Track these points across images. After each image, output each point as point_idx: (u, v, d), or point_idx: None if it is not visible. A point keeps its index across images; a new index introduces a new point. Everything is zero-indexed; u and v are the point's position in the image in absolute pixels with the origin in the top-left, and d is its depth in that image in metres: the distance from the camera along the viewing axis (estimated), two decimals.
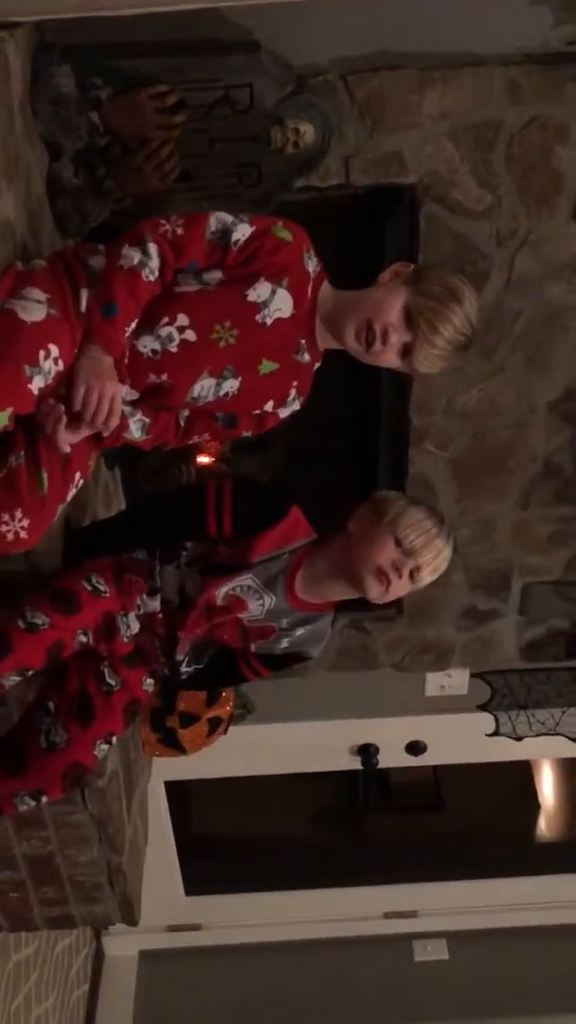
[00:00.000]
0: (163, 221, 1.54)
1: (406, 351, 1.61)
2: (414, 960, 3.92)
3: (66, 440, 1.54)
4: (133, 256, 1.51)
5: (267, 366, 1.64)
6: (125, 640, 1.79)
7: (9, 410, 1.43)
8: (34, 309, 1.47)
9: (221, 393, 1.65)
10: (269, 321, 1.60)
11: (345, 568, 1.75)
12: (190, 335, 1.58)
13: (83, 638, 1.76)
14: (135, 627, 1.79)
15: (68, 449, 1.56)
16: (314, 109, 2.10)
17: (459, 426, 2.64)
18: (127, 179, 2.02)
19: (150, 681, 1.88)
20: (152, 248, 1.52)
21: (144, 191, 2.05)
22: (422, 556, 1.70)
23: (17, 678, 1.71)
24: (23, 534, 1.54)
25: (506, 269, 2.39)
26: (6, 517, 1.52)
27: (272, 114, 2.06)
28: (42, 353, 1.45)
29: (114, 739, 1.88)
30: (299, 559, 1.80)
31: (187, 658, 1.83)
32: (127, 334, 1.54)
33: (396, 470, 2.73)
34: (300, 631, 1.84)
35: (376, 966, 3.90)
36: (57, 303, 1.50)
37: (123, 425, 1.63)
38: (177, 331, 1.57)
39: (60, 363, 1.48)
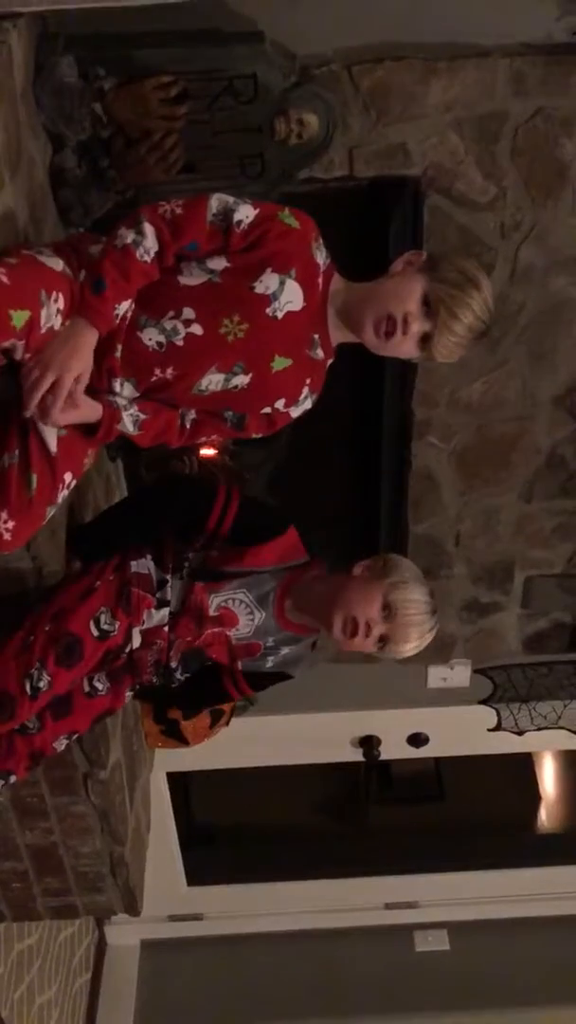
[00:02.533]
0: (162, 203, 1.52)
1: (424, 340, 1.58)
2: (415, 950, 3.93)
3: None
4: (127, 235, 1.50)
5: (280, 362, 1.61)
6: (123, 655, 1.80)
7: (27, 314, 1.41)
8: (52, 261, 1.49)
9: (230, 385, 1.62)
10: (280, 315, 1.57)
11: (327, 601, 1.76)
12: (196, 328, 1.55)
13: None
14: (137, 641, 1.80)
15: (61, 424, 1.54)
16: (318, 100, 2.09)
17: (462, 419, 2.63)
18: (130, 170, 2.02)
19: (129, 694, 1.90)
20: (147, 228, 1.49)
21: (147, 182, 2.04)
22: (399, 630, 1.71)
23: None
24: (7, 536, 1.55)
25: (510, 261, 2.39)
26: None
27: (276, 105, 2.05)
28: (54, 295, 1.45)
29: (75, 737, 1.91)
30: (291, 579, 1.82)
31: (179, 667, 1.85)
32: (117, 312, 1.50)
33: (399, 463, 2.73)
34: (285, 650, 1.87)
35: (377, 956, 3.91)
36: (69, 268, 1.51)
37: (114, 417, 1.59)
38: (183, 324, 1.55)
39: (59, 319, 1.47)
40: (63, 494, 1.64)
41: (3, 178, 1.64)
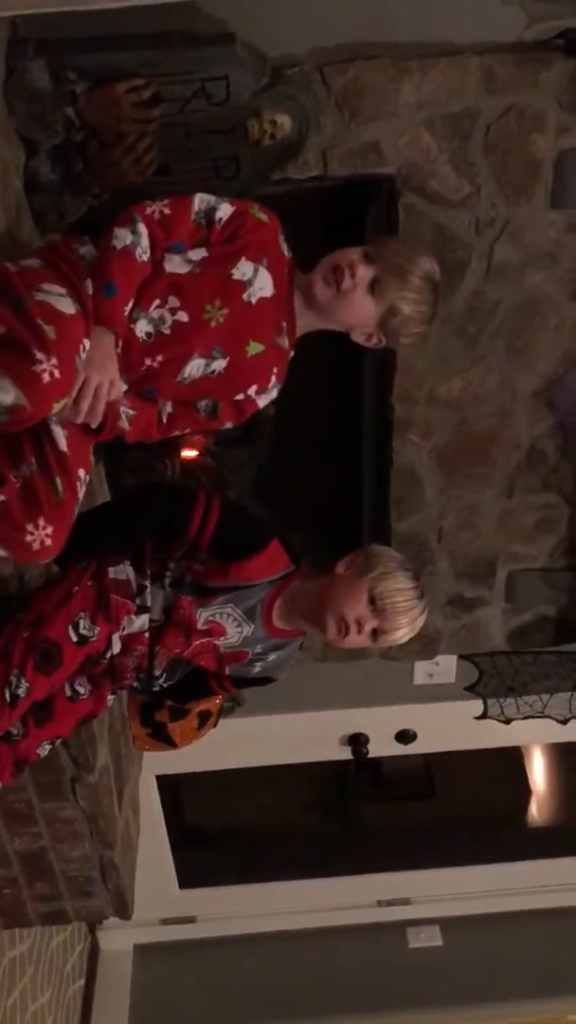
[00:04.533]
0: (149, 204, 1.60)
1: (375, 287, 1.64)
2: (408, 947, 3.94)
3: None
4: (125, 236, 1.56)
5: (254, 347, 1.68)
6: (104, 660, 1.80)
7: (67, 400, 1.48)
8: (63, 302, 1.50)
9: (208, 370, 1.68)
10: (254, 300, 1.64)
11: (316, 605, 1.78)
12: (182, 316, 1.62)
13: None
14: (117, 647, 1.80)
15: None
16: (291, 100, 2.10)
17: (442, 415, 2.64)
18: (104, 174, 2.02)
19: (112, 697, 1.90)
20: (142, 228, 1.57)
21: (122, 185, 2.05)
22: (389, 621, 1.73)
23: None
24: (48, 541, 1.56)
25: (486, 258, 2.40)
26: (30, 527, 1.54)
27: (249, 106, 2.06)
28: (82, 346, 1.50)
29: (59, 742, 1.91)
30: (278, 589, 1.83)
31: (164, 674, 1.86)
32: (126, 313, 1.57)
33: (380, 461, 2.74)
34: (272, 656, 1.89)
35: (370, 953, 3.91)
36: (73, 296, 1.52)
37: (116, 414, 1.64)
38: (169, 312, 1.61)
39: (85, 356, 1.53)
40: (82, 490, 1.67)
41: None
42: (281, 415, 2.29)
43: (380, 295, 1.65)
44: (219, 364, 1.67)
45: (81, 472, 1.65)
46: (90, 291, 1.55)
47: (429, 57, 2.16)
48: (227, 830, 4.16)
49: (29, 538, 1.54)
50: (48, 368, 1.40)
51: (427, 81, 2.17)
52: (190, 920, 4.00)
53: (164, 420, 1.75)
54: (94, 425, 1.60)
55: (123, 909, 2.49)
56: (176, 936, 4.00)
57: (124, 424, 1.68)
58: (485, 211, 2.34)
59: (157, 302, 1.60)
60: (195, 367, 1.66)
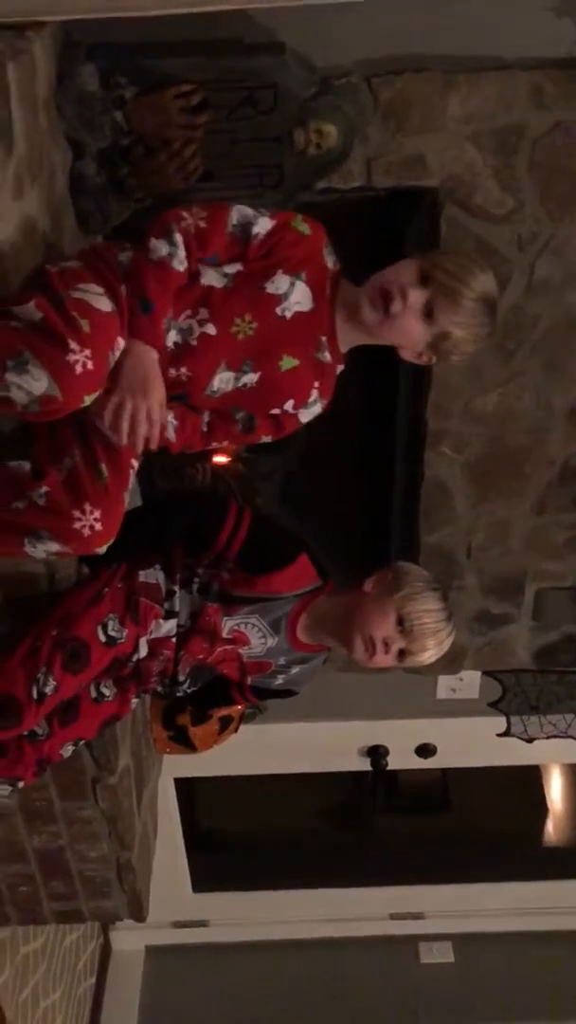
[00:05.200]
0: (185, 214, 1.55)
1: (429, 313, 1.57)
2: (420, 962, 3.92)
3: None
4: (161, 248, 1.52)
5: (288, 362, 1.64)
6: (130, 663, 1.81)
7: (98, 393, 1.45)
8: (100, 300, 1.48)
9: (240, 384, 1.65)
10: (288, 314, 1.60)
11: (343, 623, 1.78)
12: (210, 328, 1.59)
13: None
14: (144, 651, 1.80)
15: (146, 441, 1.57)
16: (338, 111, 2.09)
17: (476, 430, 2.63)
18: (149, 178, 2.03)
19: (136, 700, 1.91)
20: (178, 239, 1.53)
21: (166, 191, 2.05)
22: (416, 642, 1.72)
23: None
24: (98, 526, 1.56)
25: (526, 274, 2.39)
26: (77, 513, 1.53)
27: (295, 115, 2.06)
28: (116, 344, 1.48)
29: (82, 743, 1.91)
30: (303, 604, 1.83)
31: (187, 680, 1.86)
32: (164, 326, 1.54)
33: (412, 472, 2.73)
34: (295, 669, 1.89)
35: (381, 967, 3.90)
36: (111, 297, 1.51)
37: (163, 426, 1.62)
38: (198, 324, 1.58)
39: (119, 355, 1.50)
40: (132, 480, 1.67)
41: (24, 186, 1.66)
42: (313, 423, 2.28)
43: (432, 319, 1.58)
44: (250, 378, 1.64)
45: (133, 460, 1.66)
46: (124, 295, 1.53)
47: (477, 71, 2.15)
48: (242, 835, 4.16)
49: (78, 524, 1.54)
50: (81, 359, 1.39)
51: (474, 95, 2.17)
52: (202, 924, 4.01)
53: (204, 429, 1.73)
54: (139, 450, 1.56)
55: (138, 911, 2.49)
56: (188, 939, 4.01)
57: (170, 434, 1.66)
58: (528, 227, 2.32)
59: (188, 312, 1.58)
60: (224, 379, 1.63)
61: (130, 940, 3.98)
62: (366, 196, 2.28)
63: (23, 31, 1.77)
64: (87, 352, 1.39)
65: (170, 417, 1.65)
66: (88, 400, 1.44)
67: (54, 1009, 3.25)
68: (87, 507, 1.54)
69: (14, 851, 2.27)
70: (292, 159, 2.11)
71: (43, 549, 1.57)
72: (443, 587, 1.82)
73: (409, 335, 1.61)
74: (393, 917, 4.01)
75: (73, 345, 1.38)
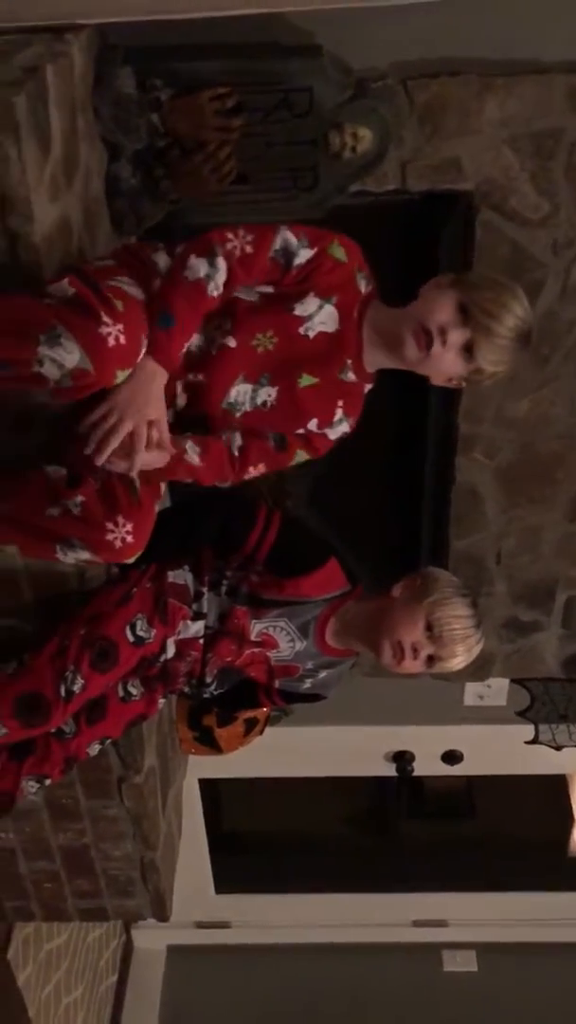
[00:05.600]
0: (231, 235, 1.52)
1: (468, 352, 1.56)
2: (443, 970, 3.90)
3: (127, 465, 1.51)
4: (200, 268, 1.49)
5: (307, 379, 1.63)
6: (157, 663, 1.81)
7: (129, 372, 1.43)
8: (133, 289, 1.49)
9: (259, 401, 1.64)
10: (312, 334, 1.59)
11: (371, 628, 1.78)
12: (231, 341, 1.58)
13: None
14: (171, 651, 1.81)
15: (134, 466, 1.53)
16: (373, 114, 2.09)
17: (508, 435, 2.61)
18: (184, 181, 2.03)
19: (163, 701, 1.91)
20: (221, 263, 1.50)
21: (201, 193, 2.06)
22: (445, 648, 1.71)
23: None
24: (129, 539, 1.56)
25: (561, 278, 2.36)
26: (110, 525, 1.54)
27: (331, 118, 2.06)
28: (145, 331, 1.46)
29: (108, 743, 1.91)
30: (332, 608, 1.83)
31: (215, 681, 1.86)
32: (183, 350, 1.51)
33: (442, 477, 2.71)
34: (323, 674, 1.89)
35: (404, 974, 3.88)
36: (144, 289, 1.52)
37: (179, 452, 1.59)
38: (220, 334, 1.57)
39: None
40: (163, 488, 1.69)
41: (60, 186, 1.67)
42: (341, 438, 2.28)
43: (470, 358, 1.56)
44: (268, 393, 1.62)
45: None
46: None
47: (515, 74, 2.13)
48: (265, 838, 4.15)
49: (110, 536, 1.54)
50: (114, 332, 1.37)
51: (512, 98, 2.15)
52: (224, 925, 4.02)
53: (236, 453, 1.69)
54: (132, 473, 1.52)
55: (161, 911, 2.50)
56: (210, 940, 4.01)
57: (194, 459, 1.62)
58: (564, 231, 2.30)
59: (215, 323, 1.56)
60: (242, 392, 1.62)
61: (152, 939, 3.99)
62: (400, 199, 2.27)
63: (61, 34, 1.79)
64: (120, 327, 1.38)
65: (189, 444, 1.61)
66: (120, 377, 1.42)
67: (76, 1006, 3.27)
68: (120, 519, 1.54)
69: (40, 848, 2.28)
70: (327, 162, 2.10)
71: (74, 556, 1.59)
72: (472, 593, 1.81)
73: (447, 372, 1.60)
74: (416, 924, 3.99)
75: (106, 318, 1.37)
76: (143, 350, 1.46)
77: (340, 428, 1.72)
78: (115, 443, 1.47)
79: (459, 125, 2.16)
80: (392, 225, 2.36)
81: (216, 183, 2.03)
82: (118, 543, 1.55)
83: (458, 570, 2.73)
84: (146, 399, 1.48)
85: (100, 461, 1.49)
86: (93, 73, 1.90)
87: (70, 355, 1.35)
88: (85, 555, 1.58)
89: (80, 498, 1.54)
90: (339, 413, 1.69)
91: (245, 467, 1.71)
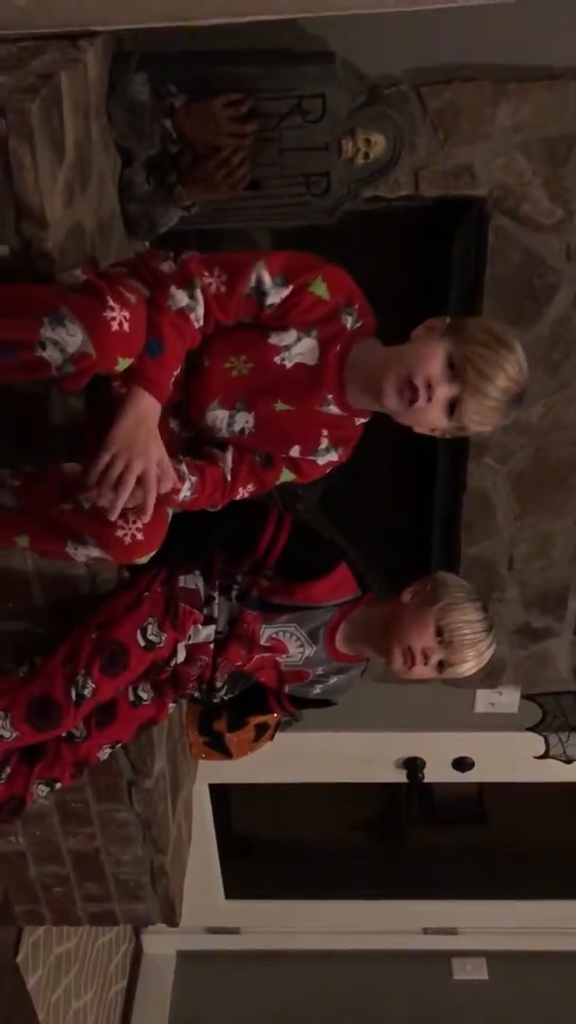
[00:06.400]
0: (207, 273, 1.48)
1: (451, 408, 1.48)
2: (453, 978, 3.88)
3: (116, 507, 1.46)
4: (182, 298, 1.46)
5: (281, 406, 1.60)
6: (168, 668, 1.82)
7: (131, 361, 1.40)
8: (145, 293, 1.47)
9: (236, 429, 1.62)
10: (288, 364, 1.56)
11: (381, 633, 1.77)
12: (205, 360, 1.56)
13: None
14: (182, 656, 1.81)
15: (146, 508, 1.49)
16: (386, 120, 2.09)
17: (520, 441, 2.60)
18: (197, 186, 2.04)
19: (173, 705, 1.91)
20: (199, 295, 1.46)
21: (214, 198, 2.07)
22: (456, 653, 1.71)
23: None
24: (139, 535, 1.52)
25: (574, 284, 2.36)
26: (120, 521, 1.50)
27: (344, 124, 2.06)
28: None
29: (119, 746, 1.91)
30: (342, 614, 1.83)
31: (224, 686, 1.86)
32: (172, 378, 1.48)
33: (454, 483, 2.70)
34: (333, 679, 1.89)
35: (413, 982, 3.86)
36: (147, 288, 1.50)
37: (176, 488, 1.56)
38: (195, 354, 1.55)
39: None
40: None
41: (74, 192, 1.68)
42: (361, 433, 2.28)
43: (455, 415, 1.49)
44: (246, 420, 1.60)
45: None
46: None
47: (527, 81, 2.13)
48: (275, 844, 4.15)
49: (120, 532, 1.51)
50: (118, 317, 1.35)
51: (524, 105, 2.15)
52: (234, 931, 4.01)
53: (229, 477, 1.66)
54: (146, 518, 1.48)
55: (171, 916, 2.49)
56: (219, 946, 4.01)
57: (185, 495, 1.58)
58: None
59: None
60: (219, 419, 1.60)
61: (162, 944, 3.99)
62: (413, 205, 2.27)
63: (76, 41, 1.79)
64: (125, 313, 1.36)
65: (188, 482, 1.58)
66: (122, 364, 1.38)
67: (85, 1010, 3.26)
68: (130, 516, 1.52)
69: (49, 852, 2.29)
70: (340, 168, 2.11)
71: (84, 553, 1.57)
72: (483, 597, 1.80)
73: (429, 425, 1.53)
74: (426, 931, 3.97)
75: (112, 303, 1.35)
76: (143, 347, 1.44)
77: (328, 456, 1.68)
78: (126, 495, 1.44)
79: (472, 131, 2.16)
80: (405, 231, 2.36)
81: (229, 189, 2.04)
82: (128, 539, 1.52)
83: (470, 576, 2.71)
84: (147, 437, 1.44)
85: (115, 516, 1.46)
86: (107, 79, 1.91)
87: (72, 338, 1.33)
88: (95, 552, 1.56)
89: (92, 493, 1.54)
90: (324, 442, 1.65)
91: (235, 489, 1.68)
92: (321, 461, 1.69)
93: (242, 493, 1.71)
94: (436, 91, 2.13)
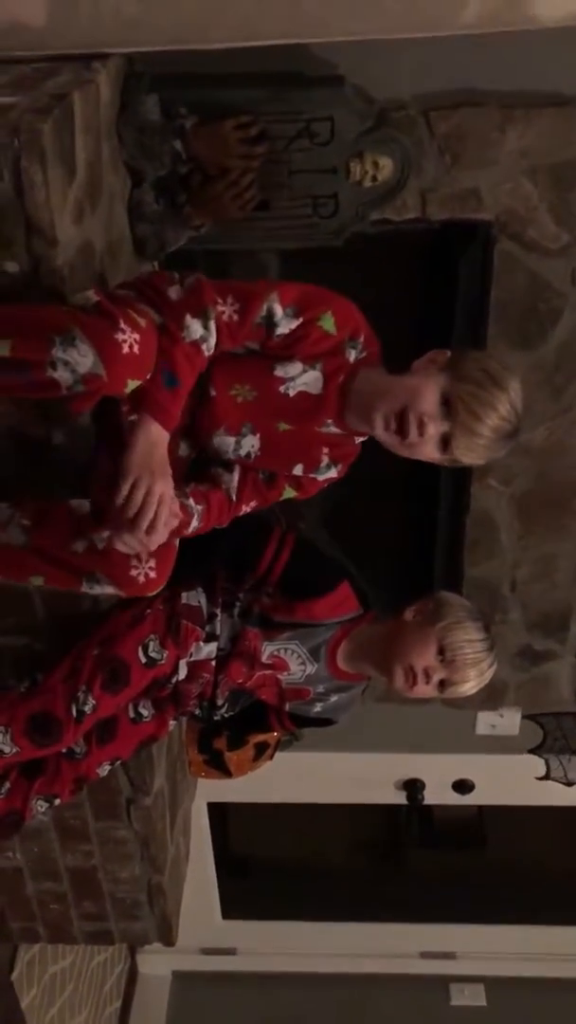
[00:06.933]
0: (219, 300, 1.49)
1: (445, 443, 1.51)
2: (450, 1004, 3.84)
3: (135, 545, 1.48)
4: (196, 330, 1.47)
5: (284, 426, 1.63)
6: (169, 685, 1.81)
7: (139, 383, 1.42)
8: (154, 317, 1.49)
9: (242, 453, 1.64)
10: (292, 392, 1.59)
11: (383, 652, 1.78)
12: (211, 390, 1.59)
13: None
14: (183, 673, 1.81)
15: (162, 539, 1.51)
16: (394, 143, 2.11)
17: (524, 463, 2.61)
18: (206, 207, 2.06)
19: (173, 723, 1.91)
20: (212, 326, 1.48)
21: (222, 219, 2.08)
22: (457, 672, 1.71)
23: None
24: (152, 574, 1.56)
25: None
26: (134, 562, 1.54)
27: (352, 147, 2.08)
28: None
29: (118, 763, 1.91)
30: (344, 632, 1.83)
31: (225, 704, 1.86)
32: (181, 409, 1.50)
33: (457, 504, 2.71)
34: (334, 698, 1.89)
35: (410, 1007, 3.82)
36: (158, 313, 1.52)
37: (185, 521, 1.59)
38: (201, 381, 1.57)
39: None
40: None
41: (84, 211, 1.69)
42: (361, 451, 2.28)
43: (447, 450, 1.52)
44: (252, 444, 1.63)
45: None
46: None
47: (535, 106, 2.15)
48: (273, 864, 4.12)
49: (134, 572, 1.55)
50: (129, 340, 1.37)
51: (531, 130, 2.17)
52: (230, 952, 3.97)
53: (233, 497, 1.69)
54: (154, 545, 1.50)
55: (167, 935, 2.48)
56: (215, 967, 3.97)
57: (194, 523, 1.61)
58: None
59: None
60: (225, 444, 1.63)
61: (157, 964, 3.95)
62: (420, 228, 2.29)
63: (89, 62, 1.82)
64: (136, 336, 1.38)
65: (192, 503, 1.61)
66: (130, 386, 1.40)
67: None
68: (144, 556, 1.54)
69: (47, 868, 2.28)
70: (347, 190, 2.12)
71: (99, 589, 1.60)
72: (485, 617, 1.80)
73: (423, 457, 1.56)
74: (424, 956, 3.93)
75: (123, 325, 1.37)
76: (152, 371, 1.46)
77: (328, 473, 1.71)
78: (151, 511, 1.45)
79: (479, 156, 2.18)
80: (411, 254, 2.38)
81: (238, 210, 2.06)
82: (142, 579, 1.56)
83: (472, 597, 2.70)
84: (161, 463, 1.47)
85: (152, 538, 1.47)
86: (119, 100, 1.93)
87: (84, 359, 1.35)
88: (109, 590, 1.59)
89: (106, 533, 1.54)
90: (325, 459, 1.68)
91: (239, 507, 1.71)
92: (321, 478, 1.72)
93: (245, 510, 1.74)
94: (444, 116, 2.15)
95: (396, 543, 2.91)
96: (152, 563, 1.55)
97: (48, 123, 1.49)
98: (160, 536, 1.49)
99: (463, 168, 2.20)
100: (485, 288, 2.32)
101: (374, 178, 2.11)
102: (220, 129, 1.99)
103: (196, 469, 1.71)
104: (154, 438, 1.46)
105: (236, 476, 1.69)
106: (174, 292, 1.53)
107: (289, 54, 2.01)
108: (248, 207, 2.06)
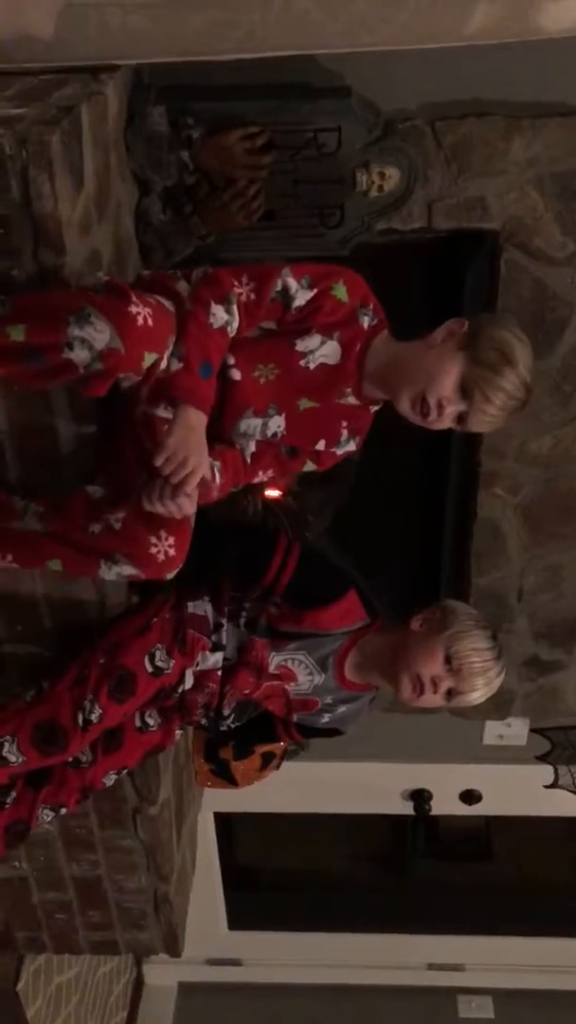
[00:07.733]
0: (236, 283, 1.55)
1: (460, 418, 1.61)
2: (458, 1016, 3.81)
3: (180, 506, 1.52)
4: (222, 316, 1.53)
5: (305, 403, 1.68)
6: (175, 694, 1.81)
7: (156, 357, 1.45)
8: (169, 304, 1.52)
9: (269, 434, 1.68)
10: (312, 365, 1.64)
11: (390, 661, 1.78)
12: (235, 373, 1.63)
13: None
14: (189, 682, 1.81)
15: (191, 510, 1.56)
16: (401, 154, 2.12)
17: (531, 472, 2.61)
18: (213, 217, 2.07)
19: (180, 732, 1.91)
20: (235, 310, 1.54)
21: (229, 229, 2.09)
22: (465, 682, 1.71)
23: None
24: (172, 551, 1.58)
25: None
26: (154, 539, 1.56)
27: (359, 157, 2.09)
28: (172, 339, 1.49)
29: (124, 772, 1.91)
30: (351, 641, 1.82)
31: (232, 714, 1.85)
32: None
33: (464, 513, 2.71)
34: (342, 708, 1.88)
35: (418, 1019, 3.80)
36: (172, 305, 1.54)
37: (209, 483, 1.62)
38: (224, 368, 1.61)
39: (174, 361, 1.50)
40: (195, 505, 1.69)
41: (92, 220, 1.70)
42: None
43: (462, 424, 1.62)
44: (277, 423, 1.68)
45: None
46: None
47: (541, 116, 2.16)
48: (280, 874, 4.10)
49: (154, 550, 1.56)
50: (143, 312, 1.41)
51: (538, 140, 2.18)
52: (236, 963, 3.95)
53: (248, 460, 1.74)
54: (183, 512, 1.54)
55: (173, 946, 2.47)
56: (221, 978, 3.95)
57: (215, 487, 1.65)
58: None
59: None
60: (252, 427, 1.67)
61: (163, 975, 3.94)
62: (426, 238, 2.29)
63: (97, 74, 1.83)
64: (148, 311, 1.42)
65: (215, 466, 1.65)
66: (147, 360, 1.43)
67: None
68: (163, 533, 1.56)
69: (53, 878, 2.27)
70: (354, 200, 2.13)
71: (116, 571, 1.60)
72: (492, 626, 1.80)
73: (438, 428, 1.64)
74: (432, 967, 3.91)
75: (136, 300, 1.41)
76: (170, 348, 1.48)
77: (347, 447, 1.77)
78: (195, 480, 1.50)
79: (485, 165, 2.19)
80: (418, 263, 2.38)
81: (244, 219, 2.07)
82: (161, 556, 1.56)
83: (479, 606, 2.69)
84: (199, 443, 1.50)
85: (183, 502, 1.50)
86: (126, 111, 1.94)
87: (100, 334, 1.38)
88: (129, 570, 1.59)
89: (122, 513, 1.56)
90: (345, 433, 1.74)
91: (255, 471, 1.75)
92: (340, 452, 1.78)
93: (261, 476, 1.77)
94: (450, 126, 2.16)
95: (403, 553, 2.90)
96: (171, 540, 1.56)
97: (56, 134, 1.50)
98: (191, 504, 1.53)
99: (469, 178, 2.20)
100: (492, 297, 2.32)
101: (380, 188, 2.11)
102: (227, 140, 2.00)
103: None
104: (193, 422, 1.50)
105: (253, 444, 1.72)
106: (182, 287, 1.57)
107: (296, 65, 2.02)
108: (254, 217, 2.07)
